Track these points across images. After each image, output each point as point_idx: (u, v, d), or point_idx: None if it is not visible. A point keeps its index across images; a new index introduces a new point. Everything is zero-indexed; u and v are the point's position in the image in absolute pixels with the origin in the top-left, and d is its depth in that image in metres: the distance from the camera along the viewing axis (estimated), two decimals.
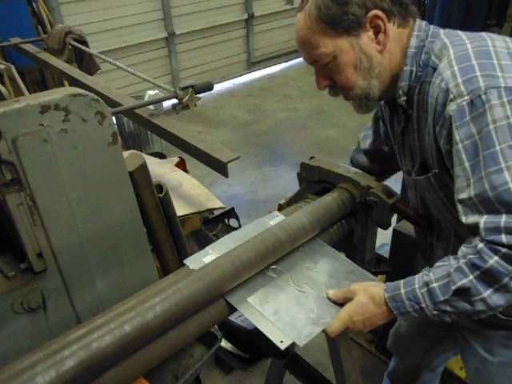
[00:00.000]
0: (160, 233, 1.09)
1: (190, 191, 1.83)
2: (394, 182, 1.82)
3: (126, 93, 3.52)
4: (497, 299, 0.83)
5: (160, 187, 1.07)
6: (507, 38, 0.95)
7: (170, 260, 1.14)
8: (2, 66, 2.41)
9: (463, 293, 0.84)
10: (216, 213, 2.49)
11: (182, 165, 2.49)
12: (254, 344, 1.25)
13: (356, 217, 1.23)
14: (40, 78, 3.44)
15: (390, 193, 1.17)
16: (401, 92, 1.03)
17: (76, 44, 2.74)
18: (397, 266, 1.76)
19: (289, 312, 0.96)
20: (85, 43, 2.84)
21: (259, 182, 3.93)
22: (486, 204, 0.82)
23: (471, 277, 0.83)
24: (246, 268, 0.97)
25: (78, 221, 0.89)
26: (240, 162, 1.55)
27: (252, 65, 6.57)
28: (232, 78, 6.35)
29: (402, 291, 0.91)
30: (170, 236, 1.12)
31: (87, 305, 0.96)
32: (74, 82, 2.26)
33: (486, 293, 0.83)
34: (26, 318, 0.89)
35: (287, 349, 1.07)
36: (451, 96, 0.87)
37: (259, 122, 5.10)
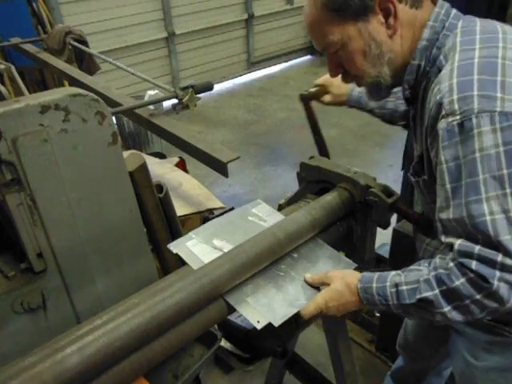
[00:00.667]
0: (160, 233, 1.09)
1: (189, 191, 1.83)
2: (394, 182, 1.82)
3: (126, 93, 3.52)
4: (455, 315, 0.86)
5: (160, 187, 1.08)
6: None
7: (170, 260, 1.14)
8: (2, 66, 2.41)
9: (426, 303, 0.87)
10: (216, 213, 2.49)
11: (181, 165, 2.49)
12: (253, 344, 1.25)
13: (355, 216, 1.23)
14: (40, 78, 3.44)
15: (389, 192, 1.17)
16: (406, 85, 1.00)
17: (76, 44, 2.74)
18: (397, 266, 1.76)
19: (266, 294, 0.99)
20: (85, 43, 2.84)
21: (259, 182, 3.93)
22: (464, 229, 0.83)
23: (436, 291, 0.85)
24: (245, 268, 0.97)
25: (77, 221, 0.89)
26: (240, 161, 1.55)
27: (252, 65, 6.57)
28: (232, 78, 6.35)
29: (374, 285, 0.94)
30: (170, 236, 1.12)
31: (87, 305, 0.96)
32: (74, 82, 2.26)
33: (447, 308, 0.85)
34: (26, 317, 0.89)
35: (287, 349, 1.07)
36: (443, 112, 0.84)
37: (259, 122, 5.10)
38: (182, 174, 2.04)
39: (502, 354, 1.07)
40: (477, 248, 0.81)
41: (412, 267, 0.93)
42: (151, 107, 2.12)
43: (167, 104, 4.57)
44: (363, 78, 1.01)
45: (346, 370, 1.42)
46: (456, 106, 0.81)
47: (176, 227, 1.15)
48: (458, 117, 0.81)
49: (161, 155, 3.43)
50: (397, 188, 1.35)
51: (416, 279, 0.89)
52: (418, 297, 0.87)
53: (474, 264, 0.81)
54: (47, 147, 0.81)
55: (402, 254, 1.81)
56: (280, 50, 6.80)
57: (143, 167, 1.00)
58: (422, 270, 0.90)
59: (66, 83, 2.84)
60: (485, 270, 0.80)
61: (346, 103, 1.46)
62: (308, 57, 7.15)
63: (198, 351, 1.06)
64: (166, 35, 5.47)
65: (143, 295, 0.89)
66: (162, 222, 1.09)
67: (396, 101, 1.34)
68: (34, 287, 0.89)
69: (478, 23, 0.93)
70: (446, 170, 0.84)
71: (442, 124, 0.84)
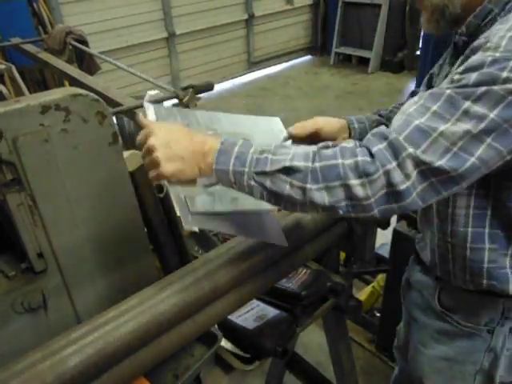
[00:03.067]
0: (160, 233, 1.10)
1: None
2: None
3: (127, 93, 3.51)
4: (317, 196, 0.76)
5: (160, 187, 1.08)
6: None
7: (170, 260, 1.14)
8: (3, 66, 2.41)
9: (290, 172, 0.77)
10: None
11: None
12: (253, 344, 1.25)
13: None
14: (40, 78, 3.44)
15: None
16: (464, 28, 0.88)
17: (76, 44, 2.74)
18: (397, 265, 1.76)
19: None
20: (85, 43, 2.84)
21: None
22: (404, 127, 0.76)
23: (309, 164, 0.76)
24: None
25: (78, 221, 0.90)
26: None
27: (252, 65, 6.57)
28: (232, 78, 6.35)
29: (236, 149, 0.80)
30: (170, 236, 1.12)
31: (87, 304, 0.96)
32: (75, 82, 2.26)
33: (313, 185, 0.75)
34: (26, 317, 0.89)
35: (287, 349, 1.07)
36: (487, 45, 0.75)
37: None
38: None
39: (449, 344, 1.07)
40: (393, 135, 0.75)
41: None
42: None
43: (167, 104, 4.58)
44: None
45: (346, 370, 1.42)
46: (503, 42, 0.74)
47: (176, 227, 1.15)
48: (497, 54, 0.73)
49: None
50: None
51: (288, 151, 0.79)
52: (285, 164, 0.76)
53: (379, 147, 0.74)
54: (48, 147, 0.82)
55: (402, 254, 1.82)
56: (280, 50, 6.80)
57: (143, 167, 1.00)
58: (298, 148, 0.81)
59: (67, 83, 2.84)
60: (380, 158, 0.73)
61: (344, 130, 1.17)
62: (308, 57, 7.15)
63: (199, 351, 1.06)
64: (167, 35, 5.47)
65: (143, 295, 0.89)
66: (162, 222, 1.09)
67: None
68: (35, 287, 0.89)
69: None
70: (451, 85, 0.76)
71: (475, 56, 0.76)
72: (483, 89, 0.73)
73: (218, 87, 5.68)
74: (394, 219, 1.26)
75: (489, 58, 0.73)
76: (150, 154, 0.78)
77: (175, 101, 1.91)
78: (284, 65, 6.85)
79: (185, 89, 1.85)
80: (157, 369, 0.94)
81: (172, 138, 0.80)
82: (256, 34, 6.44)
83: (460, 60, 0.83)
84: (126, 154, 0.99)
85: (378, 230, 1.25)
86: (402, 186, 0.73)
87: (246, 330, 1.26)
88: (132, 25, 5.13)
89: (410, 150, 0.73)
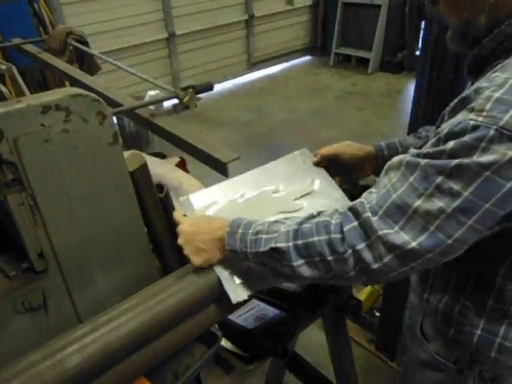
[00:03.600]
0: (160, 233, 1.10)
1: (190, 191, 1.83)
2: None
3: (127, 93, 3.52)
4: (304, 271, 0.80)
5: (160, 187, 1.08)
6: None
7: (171, 260, 1.14)
8: (4, 67, 2.41)
9: (278, 253, 0.82)
10: None
11: (182, 165, 2.49)
12: (254, 343, 1.25)
13: None
14: (41, 79, 3.45)
15: None
16: (477, 50, 0.81)
17: (77, 44, 2.74)
18: None
19: None
20: (86, 44, 2.84)
21: None
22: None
23: (290, 243, 0.81)
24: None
25: (78, 221, 0.90)
26: (240, 162, 1.55)
27: (252, 65, 6.57)
28: (232, 79, 6.35)
29: (239, 231, 0.89)
30: (170, 236, 1.12)
31: (88, 304, 0.96)
32: (75, 83, 2.26)
33: (297, 262, 0.80)
34: (27, 317, 0.90)
35: (287, 348, 1.07)
36: (473, 104, 0.70)
37: (259, 122, 5.10)
38: (183, 174, 2.04)
39: (424, 373, 1.05)
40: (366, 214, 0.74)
41: (283, 219, 0.89)
42: (152, 107, 2.12)
43: (168, 104, 4.58)
44: (446, 16, 0.84)
45: (346, 370, 1.42)
46: (488, 105, 0.68)
47: (176, 227, 1.15)
48: (480, 119, 0.67)
49: (161, 155, 3.43)
50: None
51: (277, 229, 0.84)
52: (271, 245, 0.82)
53: (351, 225, 0.75)
54: (48, 147, 0.82)
55: None
56: (280, 50, 6.80)
57: (144, 167, 1.00)
58: (287, 222, 0.85)
59: (67, 83, 2.84)
60: (354, 236, 0.74)
61: (372, 157, 1.18)
62: (308, 57, 7.16)
63: (199, 351, 1.06)
64: (167, 36, 5.47)
65: (144, 295, 0.89)
66: (162, 222, 1.09)
67: None
68: (35, 287, 0.89)
69: None
70: (430, 150, 0.73)
71: (460, 115, 0.71)
72: (456, 162, 0.68)
73: (218, 87, 5.69)
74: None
75: (470, 123, 0.68)
76: (182, 250, 0.95)
77: (175, 101, 1.91)
78: (284, 65, 6.86)
79: (185, 89, 1.85)
80: (157, 369, 0.94)
81: (194, 232, 0.94)
82: (256, 35, 6.45)
83: (452, 105, 0.78)
84: (126, 153, 0.99)
85: None
86: (374, 266, 0.74)
87: (246, 329, 1.26)
88: (132, 25, 5.14)
89: (381, 232, 0.72)
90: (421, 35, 5.53)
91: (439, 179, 0.70)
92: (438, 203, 0.70)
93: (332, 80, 6.26)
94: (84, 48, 2.75)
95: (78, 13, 4.68)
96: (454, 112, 0.75)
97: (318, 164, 1.20)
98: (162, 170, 2.00)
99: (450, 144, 0.70)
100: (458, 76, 1.63)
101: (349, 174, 1.23)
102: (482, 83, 0.73)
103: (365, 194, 0.80)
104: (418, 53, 5.91)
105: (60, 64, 2.53)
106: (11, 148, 0.78)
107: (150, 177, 1.02)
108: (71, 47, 2.76)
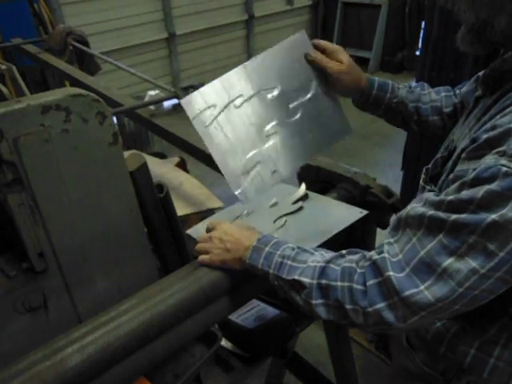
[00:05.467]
0: (160, 233, 1.10)
1: (190, 191, 1.83)
2: (394, 183, 1.83)
3: (127, 93, 3.52)
4: (320, 311, 0.79)
5: (160, 187, 1.08)
6: None
7: (171, 260, 1.14)
8: (4, 67, 2.41)
9: (300, 286, 0.81)
10: (216, 212, 2.48)
11: (182, 165, 2.49)
12: (254, 343, 1.25)
13: None
14: (41, 79, 3.44)
15: (389, 193, 1.17)
16: (498, 63, 0.77)
17: (77, 44, 2.74)
18: None
19: None
20: (86, 44, 2.84)
21: None
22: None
23: (315, 281, 0.79)
24: None
25: (78, 221, 0.90)
26: None
27: None
28: None
29: (266, 249, 0.88)
30: (170, 236, 1.12)
31: (88, 304, 0.96)
32: (75, 83, 2.26)
33: (316, 301, 0.79)
34: (27, 317, 0.90)
35: (287, 348, 1.07)
36: (503, 148, 0.64)
37: None
38: (183, 174, 2.04)
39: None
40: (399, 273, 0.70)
41: (314, 250, 0.87)
42: (152, 107, 2.12)
43: (168, 104, 4.58)
44: (460, 16, 0.78)
45: (346, 370, 1.42)
46: None
47: (176, 227, 1.15)
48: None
49: (161, 155, 3.43)
50: (397, 188, 1.36)
51: (305, 260, 0.82)
52: (294, 277, 0.81)
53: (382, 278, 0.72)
54: (48, 147, 0.82)
55: None
56: None
57: (144, 167, 1.00)
58: (316, 255, 0.83)
59: (67, 83, 2.84)
60: (376, 293, 0.72)
61: (360, 90, 1.13)
62: None
63: (199, 351, 1.07)
64: (167, 36, 5.47)
65: (143, 295, 0.89)
66: (162, 222, 1.09)
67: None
68: (35, 287, 0.89)
69: None
70: (454, 198, 0.67)
71: (489, 159, 0.65)
72: (490, 220, 0.62)
73: None
74: (393, 219, 1.26)
75: (502, 169, 0.62)
76: (207, 242, 0.96)
77: (175, 101, 1.91)
78: None
79: (185, 89, 1.85)
80: (157, 369, 0.94)
81: (227, 232, 0.95)
82: (256, 35, 6.44)
83: (473, 146, 0.69)
84: (126, 153, 0.99)
85: (378, 229, 1.25)
86: (396, 325, 0.72)
87: (246, 329, 1.26)
88: (132, 25, 5.14)
89: (405, 294, 0.69)
90: (421, 35, 5.53)
91: (471, 239, 0.65)
92: (471, 263, 0.65)
93: None
94: (84, 48, 2.75)
95: (77, 13, 4.68)
96: (476, 152, 0.69)
97: (309, 62, 1.11)
98: (162, 169, 2.00)
99: (479, 193, 0.64)
100: (458, 76, 1.63)
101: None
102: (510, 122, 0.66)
103: (386, 247, 0.75)
104: (418, 53, 5.91)
105: (60, 64, 2.53)
106: (11, 148, 0.78)
107: (150, 177, 1.03)
108: (71, 47, 2.76)
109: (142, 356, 0.86)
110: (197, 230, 1.17)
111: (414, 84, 1.20)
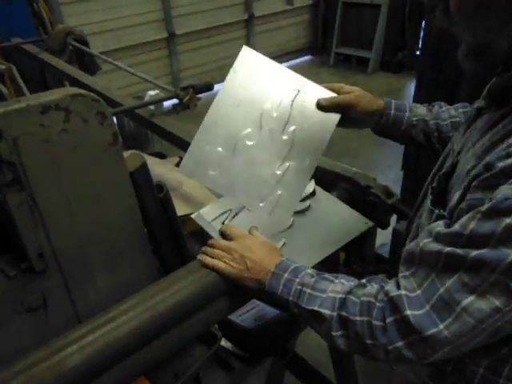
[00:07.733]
0: (160, 233, 1.10)
1: (190, 191, 1.83)
2: (394, 183, 1.83)
3: (127, 93, 3.52)
4: (340, 342, 0.79)
5: (160, 187, 1.08)
6: None
7: (171, 260, 1.14)
8: (3, 67, 2.41)
9: (319, 317, 0.81)
10: None
11: None
12: (254, 343, 1.25)
13: None
14: (41, 79, 3.44)
15: (389, 193, 1.17)
16: (505, 80, 0.74)
17: (77, 44, 2.74)
18: (397, 266, 1.76)
19: None
20: (85, 43, 2.84)
21: None
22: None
23: (335, 313, 0.79)
24: None
25: (78, 221, 0.90)
26: None
27: None
28: None
29: (285, 276, 0.87)
30: (170, 236, 1.12)
31: (88, 304, 0.96)
32: (75, 83, 2.26)
33: (336, 333, 0.79)
34: (27, 317, 0.89)
35: (287, 349, 1.07)
36: None
37: None
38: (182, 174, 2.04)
39: None
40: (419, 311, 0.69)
41: (333, 277, 0.85)
42: (152, 107, 2.12)
43: (168, 104, 4.58)
44: (458, 34, 0.73)
45: (346, 370, 1.42)
46: None
47: (176, 227, 1.14)
48: None
49: (161, 155, 3.43)
50: (397, 188, 1.36)
51: (324, 289, 0.82)
52: (314, 308, 0.81)
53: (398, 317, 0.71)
54: (48, 147, 0.82)
55: None
56: (280, 50, 6.80)
57: (143, 167, 1.00)
58: (336, 284, 0.82)
59: (67, 83, 2.84)
60: (394, 331, 0.71)
61: (378, 111, 1.11)
62: (308, 57, 7.16)
63: (199, 351, 1.06)
64: (167, 35, 5.48)
65: (143, 295, 0.89)
66: (162, 222, 1.09)
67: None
68: (35, 287, 0.89)
69: None
70: (472, 233, 0.64)
71: (505, 189, 0.62)
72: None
73: (218, 87, 5.66)
74: (393, 219, 1.26)
75: None
76: (226, 250, 0.94)
77: (175, 101, 1.91)
78: (284, 65, 6.82)
79: (185, 89, 1.85)
80: (157, 369, 0.94)
81: (251, 249, 0.93)
82: (256, 34, 6.45)
83: (486, 175, 0.66)
84: (126, 153, 0.99)
85: (378, 229, 1.25)
86: (414, 360, 0.72)
87: (246, 329, 1.26)
88: (132, 25, 5.14)
89: (424, 334, 0.68)
90: (421, 35, 5.53)
91: (493, 277, 0.62)
92: (493, 302, 0.64)
93: (332, 80, 6.25)
94: (84, 48, 2.75)
95: (77, 12, 4.68)
96: (491, 181, 0.65)
97: (323, 108, 1.06)
98: (162, 169, 2.00)
99: (499, 228, 0.61)
100: (457, 76, 1.63)
101: (350, 123, 1.12)
102: None
103: (403, 281, 0.74)
104: (418, 53, 5.91)
105: (60, 64, 2.54)
106: (11, 148, 0.78)
107: (150, 177, 1.02)
108: (71, 47, 2.76)
109: (141, 356, 0.86)
110: (202, 216, 1.18)
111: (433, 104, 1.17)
